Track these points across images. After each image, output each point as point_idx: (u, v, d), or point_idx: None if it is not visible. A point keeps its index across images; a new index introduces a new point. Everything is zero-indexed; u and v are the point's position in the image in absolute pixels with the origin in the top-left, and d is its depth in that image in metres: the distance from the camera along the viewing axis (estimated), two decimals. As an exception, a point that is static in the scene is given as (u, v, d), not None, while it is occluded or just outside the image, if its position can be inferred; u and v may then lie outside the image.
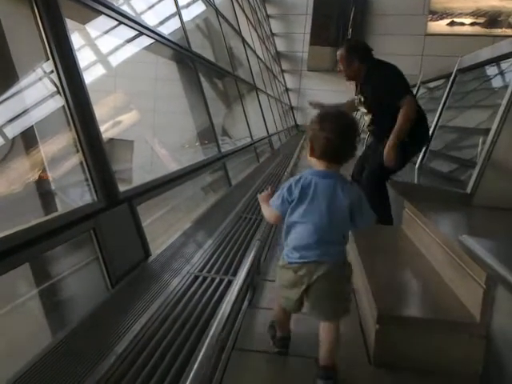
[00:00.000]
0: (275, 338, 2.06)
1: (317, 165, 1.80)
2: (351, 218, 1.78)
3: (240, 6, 11.15)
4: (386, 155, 3.52)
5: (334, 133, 1.74)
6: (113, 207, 2.37)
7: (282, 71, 21.32)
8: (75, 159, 2.37)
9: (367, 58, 3.67)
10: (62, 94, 2.30)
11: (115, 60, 6.01)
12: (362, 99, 3.77)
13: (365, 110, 3.80)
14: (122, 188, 2.59)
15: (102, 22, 3.34)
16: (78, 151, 2.33)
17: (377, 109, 3.73)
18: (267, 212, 1.93)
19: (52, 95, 2.42)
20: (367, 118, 3.84)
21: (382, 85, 3.60)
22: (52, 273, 2.08)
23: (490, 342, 1.99)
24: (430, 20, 19.28)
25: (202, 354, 1.55)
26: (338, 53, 3.69)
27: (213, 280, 2.59)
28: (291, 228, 1.82)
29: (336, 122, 1.77)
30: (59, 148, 2.57)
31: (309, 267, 1.77)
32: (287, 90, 21.35)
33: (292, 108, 21.32)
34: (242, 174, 6.20)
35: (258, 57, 12.67)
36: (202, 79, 5.48)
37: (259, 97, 10.51)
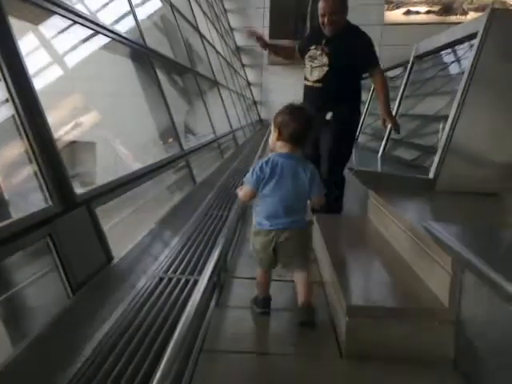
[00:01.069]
0: (257, 300, 2.40)
1: (282, 148, 2.25)
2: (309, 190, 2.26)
3: (196, 1, 11.03)
4: (392, 121, 3.62)
5: (301, 121, 2.22)
6: (70, 211, 2.29)
7: (243, 66, 21.24)
8: (28, 165, 2.27)
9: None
10: (10, 99, 2.20)
11: (71, 60, 5.86)
12: (326, 50, 3.61)
13: (324, 61, 3.61)
14: (79, 191, 2.50)
15: (56, 21, 3.23)
16: (30, 157, 2.24)
17: (343, 67, 3.59)
18: (242, 192, 2.31)
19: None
20: (318, 73, 3.66)
21: (363, 45, 3.59)
22: (7, 283, 1.99)
23: (459, 326, 1.99)
24: (387, 10, 19.51)
25: (166, 357, 1.50)
26: (330, 1, 3.51)
27: (178, 281, 2.54)
28: (263, 200, 2.26)
29: (301, 113, 2.26)
30: (10, 155, 2.47)
31: (276, 232, 2.23)
32: (249, 84, 21.29)
33: (255, 102, 21.28)
34: (206, 171, 6.13)
35: (217, 52, 12.57)
36: (160, 76, 5.38)
37: (221, 92, 10.43)
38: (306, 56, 3.75)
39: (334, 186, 3.68)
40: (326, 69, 3.60)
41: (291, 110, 2.26)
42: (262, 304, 2.38)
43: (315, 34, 3.78)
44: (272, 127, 2.30)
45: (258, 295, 2.43)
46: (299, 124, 2.20)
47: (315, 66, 3.67)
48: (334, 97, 3.65)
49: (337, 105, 3.65)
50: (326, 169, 3.68)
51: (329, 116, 3.65)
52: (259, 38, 3.92)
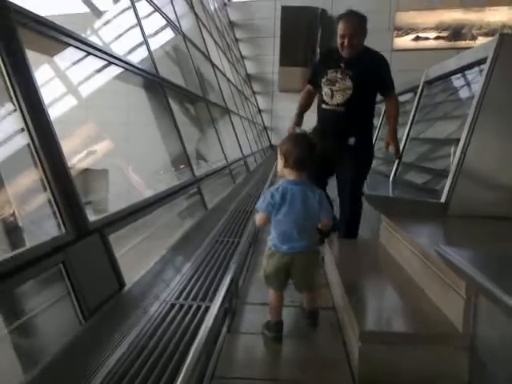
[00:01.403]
0: (269, 325, 2.46)
1: (290, 174, 2.41)
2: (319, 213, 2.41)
3: (208, 31, 11.23)
4: (397, 146, 3.63)
5: (303, 148, 2.39)
6: (83, 239, 2.31)
7: (254, 93, 21.46)
8: (42, 193, 2.31)
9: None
10: (26, 129, 2.25)
11: (85, 90, 5.96)
12: (349, 73, 3.53)
13: (348, 85, 3.52)
14: (92, 218, 2.53)
15: (71, 53, 3.31)
16: (44, 185, 2.27)
17: (365, 90, 3.57)
18: (257, 217, 2.48)
19: (16, 132, 2.36)
20: (341, 96, 3.56)
21: (382, 68, 3.57)
22: (20, 310, 2.00)
23: (474, 352, 1.97)
24: (396, 36, 19.68)
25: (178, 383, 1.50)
26: (351, 23, 3.43)
27: (190, 307, 2.53)
28: (277, 225, 2.41)
29: (303, 140, 2.47)
30: (25, 183, 2.51)
31: (291, 256, 2.38)
32: (260, 111, 21.47)
33: (266, 128, 21.42)
34: (217, 197, 6.15)
35: (228, 80, 12.73)
36: (172, 104, 5.46)
37: (232, 119, 10.53)
38: (324, 80, 3.62)
39: (358, 210, 3.72)
40: (349, 92, 3.53)
41: (294, 138, 2.53)
42: (275, 328, 2.44)
43: (331, 56, 3.68)
44: (278, 156, 2.48)
45: (270, 320, 2.49)
46: (302, 150, 2.38)
47: (337, 90, 3.56)
48: (357, 121, 3.62)
49: (358, 130, 3.63)
50: (350, 194, 3.68)
51: (352, 141, 3.58)
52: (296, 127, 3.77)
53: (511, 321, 1.57)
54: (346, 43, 3.46)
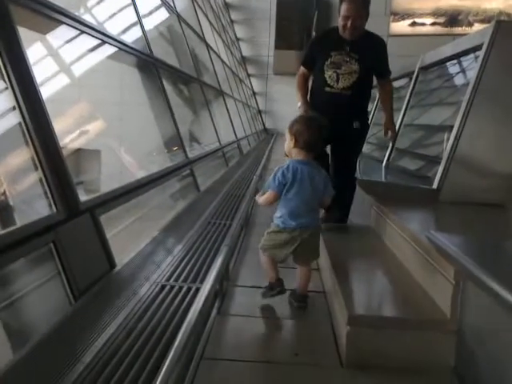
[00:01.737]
0: (272, 284, 2.64)
1: (297, 154, 2.52)
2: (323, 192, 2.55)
3: (203, 12, 11.11)
4: (394, 132, 3.64)
5: (315, 131, 2.50)
6: (73, 218, 2.30)
7: (249, 75, 21.34)
8: (33, 172, 2.29)
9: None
10: (17, 107, 2.22)
11: (78, 69, 5.90)
12: (356, 56, 3.42)
13: (354, 68, 3.43)
14: (83, 198, 2.52)
15: (64, 31, 3.26)
16: (35, 164, 2.25)
17: (369, 74, 3.52)
18: (263, 198, 2.58)
19: (7, 110, 2.33)
20: (347, 80, 3.46)
21: (382, 52, 3.54)
22: (10, 289, 1.99)
23: (461, 336, 1.99)
24: (393, 21, 19.58)
25: (167, 364, 1.51)
26: (355, 4, 3.30)
27: (180, 288, 2.54)
28: (286, 202, 2.50)
29: (316, 123, 2.55)
30: (16, 162, 2.49)
31: (300, 230, 2.49)
32: (254, 93, 21.37)
33: (260, 112, 21.34)
34: (210, 180, 6.14)
35: (223, 62, 12.63)
36: (166, 85, 5.41)
37: (226, 101, 10.47)
38: (327, 63, 3.47)
39: (351, 192, 3.72)
40: (355, 76, 3.43)
41: (305, 119, 2.61)
42: (277, 284, 2.63)
43: (330, 38, 3.56)
44: (287, 135, 2.58)
45: (270, 280, 2.67)
46: (313, 133, 2.50)
47: (343, 73, 3.44)
48: (361, 105, 3.60)
49: (361, 113, 3.62)
50: (345, 176, 3.63)
51: (356, 124, 3.54)
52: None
53: (498, 307, 1.58)
54: (349, 25, 3.34)
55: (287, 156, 2.63)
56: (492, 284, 1.56)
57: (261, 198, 2.61)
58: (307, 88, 3.78)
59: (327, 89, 3.50)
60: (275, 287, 2.63)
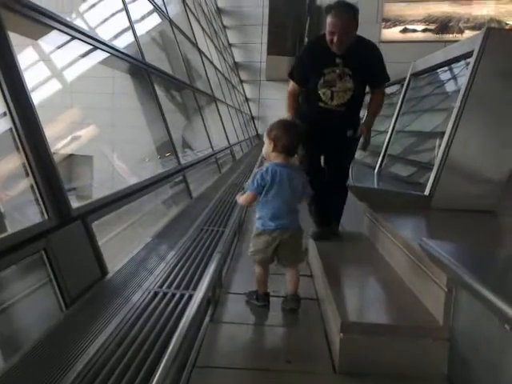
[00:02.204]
0: (258, 296, 2.69)
1: (276, 158, 2.57)
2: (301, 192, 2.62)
3: (195, 17, 11.12)
4: (368, 136, 3.37)
5: (293, 136, 2.56)
6: (65, 225, 2.29)
7: (241, 81, 21.37)
8: (24, 178, 2.28)
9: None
10: (8, 113, 2.21)
11: (69, 75, 5.89)
12: (350, 72, 3.23)
13: (349, 86, 3.26)
14: (75, 205, 2.51)
15: (56, 36, 3.25)
16: (26, 170, 2.24)
17: (363, 87, 3.38)
18: (243, 198, 2.64)
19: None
20: (342, 98, 3.30)
21: (377, 61, 3.32)
22: (1, 296, 1.98)
23: (453, 343, 1.99)
24: (384, 27, 19.68)
25: (159, 372, 1.50)
26: (341, 20, 3.06)
27: (173, 296, 2.53)
28: (266, 205, 2.55)
29: (294, 128, 2.62)
30: (7, 168, 2.48)
31: (280, 231, 2.54)
32: (247, 99, 21.39)
33: (253, 118, 21.37)
34: (203, 186, 6.14)
35: (215, 68, 12.65)
36: (158, 91, 5.41)
37: (218, 107, 10.48)
38: (320, 81, 3.29)
39: (343, 198, 3.63)
40: (350, 93, 3.27)
41: (283, 124, 2.63)
42: (263, 298, 2.69)
43: (321, 51, 3.28)
44: (266, 139, 2.64)
45: (257, 291, 2.71)
46: (291, 137, 2.56)
47: (337, 91, 3.28)
48: (354, 116, 3.47)
49: (354, 122, 3.44)
50: (340, 183, 3.56)
51: (350, 133, 3.39)
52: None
53: (490, 314, 1.59)
54: (335, 40, 3.14)
55: (265, 159, 2.72)
56: (484, 291, 1.57)
57: (240, 198, 2.66)
58: (297, 106, 3.59)
59: (321, 104, 3.36)
60: (260, 300, 2.68)
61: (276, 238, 2.55)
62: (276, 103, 18.12)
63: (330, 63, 3.25)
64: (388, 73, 3.41)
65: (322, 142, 3.38)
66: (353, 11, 3.13)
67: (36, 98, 2.50)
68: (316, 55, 3.34)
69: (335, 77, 3.25)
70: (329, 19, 3.12)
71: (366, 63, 3.23)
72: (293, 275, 2.67)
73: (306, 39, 19.16)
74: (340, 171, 3.58)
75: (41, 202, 2.22)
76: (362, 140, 3.44)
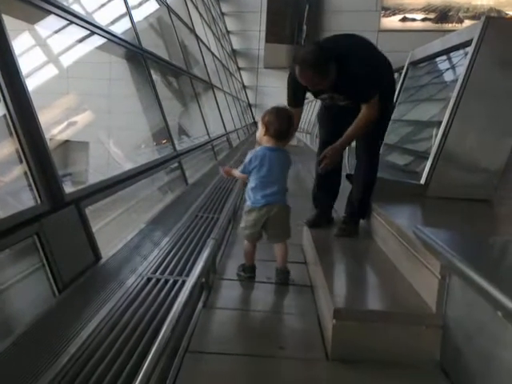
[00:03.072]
0: (245, 268, 2.89)
1: (268, 142, 2.72)
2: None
3: (193, 3, 11.04)
4: (335, 157, 3.08)
5: (284, 121, 2.69)
6: (58, 210, 2.27)
7: (239, 69, 21.26)
8: (18, 164, 2.26)
9: (332, 55, 2.85)
10: (2, 99, 2.19)
11: (66, 60, 5.83)
12: (341, 96, 3.09)
13: (345, 101, 3.11)
14: (69, 190, 2.49)
15: (52, 21, 3.22)
16: (20, 155, 2.22)
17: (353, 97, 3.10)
18: (234, 172, 2.98)
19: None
20: (345, 103, 3.15)
21: (361, 79, 2.90)
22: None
23: (446, 331, 1.99)
24: (383, 16, 19.58)
25: (150, 357, 1.50)
26: (306, 77, 2.84)
27: (166, 281, 2.53)
28: (258, 184, 2.72)
29: (285, 114, 2.74)
30: (0, 153, 2.46)
31: (268, 207, 2.71)
32: (245, 87, 21.31)
33: (250, 105, 21.30)
34: (198, 173, 6.12)
35: (213, 54, 12.58)
36: (155, 77, 5.38)
37: (216, 94, 10.43)
38: (318, 99, 3.35)
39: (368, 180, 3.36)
40: (349, 102, 3.09)
41: (276, 111, 2.73)
42: (249, 270, 2.88)
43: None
44: (260, 124, 2.77)
45: (245, 263, 2.91)
46: (282, 123, 2.69)
47: (339, 103, 3.18)
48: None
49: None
50: (363, 162, 3.37)
51: None
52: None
53: (483, 301, 1.59)
54: (311, 88, 3.03)
55: (258, 143, 2.87)
56: (477, 278, 1.57)
57: (233, 171, 3.01)
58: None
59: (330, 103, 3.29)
60: (247, 272, 2.87)
61: (264, 214, 2.72)
62: (273, 91, 18.07)
63: (318, 92, 3.14)
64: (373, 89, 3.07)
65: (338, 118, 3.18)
66: (317, 67, 2.79)
67: (31, 83, 2.47)
68: (301, 85, 3.02)
69: (329, 98, 3.16)
70: (296, 72, 2.88)
71: (353, 83, 2.91)
72: (280, 248, 2.84)
73: (305, 27, 19.08)
74: (365, 149, 3.31)
75: (34, 187, 2.20)
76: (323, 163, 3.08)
